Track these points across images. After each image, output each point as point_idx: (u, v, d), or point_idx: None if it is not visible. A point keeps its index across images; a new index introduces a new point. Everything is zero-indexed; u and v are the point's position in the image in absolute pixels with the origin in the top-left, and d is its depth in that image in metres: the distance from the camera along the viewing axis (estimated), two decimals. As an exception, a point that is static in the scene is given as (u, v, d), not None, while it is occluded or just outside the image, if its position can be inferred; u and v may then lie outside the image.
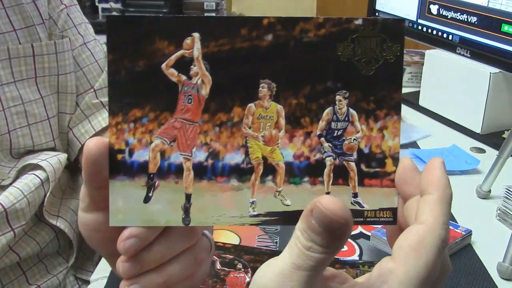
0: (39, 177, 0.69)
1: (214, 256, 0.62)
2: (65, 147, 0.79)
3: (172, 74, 0.35)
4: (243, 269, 0.60)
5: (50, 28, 0.75)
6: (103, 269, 0.65)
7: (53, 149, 0.76)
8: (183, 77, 0.35)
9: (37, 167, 0.70)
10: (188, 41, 0.34)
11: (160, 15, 0.34)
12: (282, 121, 0.35)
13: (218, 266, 0.61)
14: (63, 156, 0.73)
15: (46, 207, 0.70)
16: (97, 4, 2.11)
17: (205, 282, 0.58)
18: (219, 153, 0.36)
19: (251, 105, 0.35)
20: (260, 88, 0.35)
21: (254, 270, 0.60)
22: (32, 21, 0.71)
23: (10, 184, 0.68)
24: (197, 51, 0.34)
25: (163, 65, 0.34)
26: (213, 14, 2.07)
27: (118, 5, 2.10)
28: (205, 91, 0.35)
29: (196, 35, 0.34)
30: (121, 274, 0.37)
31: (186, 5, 2.11)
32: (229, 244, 0.64)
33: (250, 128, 0.36)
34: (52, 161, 0.71)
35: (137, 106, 0.35)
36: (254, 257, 0.62)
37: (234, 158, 0.36)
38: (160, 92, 0.35)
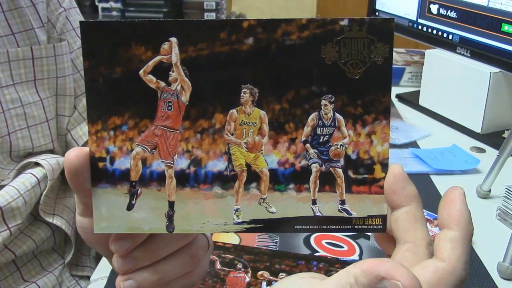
0: (35, 176, 0.69)
1: (214, 256, 0.62)
2: (63, 149, 0.79)
3: (150, 80, 0.34)
4: (243, 269, 0.60)
5: (48, 31, 0.75)
6: (103, 269, 0.65)
7: (51, 151, 0.76)
8: (162, 84, 0.34)
9: (35, 165, 0.70)
10: (165, 46, 0.33)
11: (135, 20, 0.33)
12: (266, 127, 0.34)
13: (218, 266, 0.61)
14: (61, 159, 0.73)
15: (41, 206, 0.70)
16: (97, 3, 2.11)
17: (205, 282, 0.58)
18: (201, 161, 0.35)
19: (233, 111, 0.34)
20: (242, 94, 0.34)
21: (254, 270, 0.60)
22: (31, 25, 0.71)
23: (8, 183, 0.68)
24: (175, 56, 0.33)
25: (141, 72, 0.33)
26: (213, 14, 2.07)
27: (118, 5, 2.10)
28: (185, 98, 0.34)
29: (174, 39, 0.33)
30: (117, 270, 0.38)
31: (186, 4, 2.11)
32: (229, 244, 0.65)
33: (232, 134, 0.35)
34: (51, 161, 0.71)
35: (116, 113, 0.34)
36: (254, 257, 0.62)
37: (216, 165, 0.35)
38: (139, 99, 0.34)
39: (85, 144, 0.79)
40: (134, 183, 0.35)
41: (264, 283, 0.58)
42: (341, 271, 0.29)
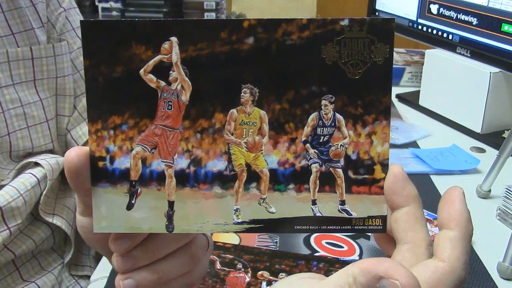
0: (35, 176, 0.69)
1: (214, 256, 0.62)
2: (63, 149, 0.79)
3: (151, 80, 0.34)
4: (243, 269, 0.60)
5: (48, 31, 0.75)
6: (103, 269, 0.65)
7: (51, 151, 0.76)
8: (162, 83, 0.34)
9: (35, 165, 0.70)
10: (166, 45, 0.33)
11: (136, 19, 0.33)
12: (266, 127, 0.34)
13: (218, 266, 0.61)
14: (61, 159, 0.73)
15: (41, 206, 0.70)
16: (97, 3, 2.11)
17: (205, 282, 0.58)
18: (201, 160, 0.35)
19: (233, 111, 0.34)
20: (242, 93, 0.34)
21: (254, 270, 0.60)
22: (31, 25, 0.71)
23: (7, 183, 0.68)
24: (175, 56, 0.33)
25: (141, 71, 0.33)
26: (213, 14, 2.07)
27: (118, 5, 2.10)
28: (185, 97, 0.34)
29: (174, 39, 0.33)
30: (116, 269, 0.38)
31: (186, 5, 2.11)
32: (229, 244, 0.65)
33: (232, 134, 0.35)
34: (51, 161, 0.71)
35: (116, 113, 0.34)
36: (254, 257, 0.62)
37: (216, 165, 0.35)
38: (139, 99, 0.34)
39: (85, 144, 0.79)
40: (134, 183, 0.35)
41: (264, 283, 0.58)
42: (339, 271, 0.29)
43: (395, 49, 1.41)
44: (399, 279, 0.26)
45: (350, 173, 0.35)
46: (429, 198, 0.77)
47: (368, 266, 0.27)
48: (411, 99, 1.20)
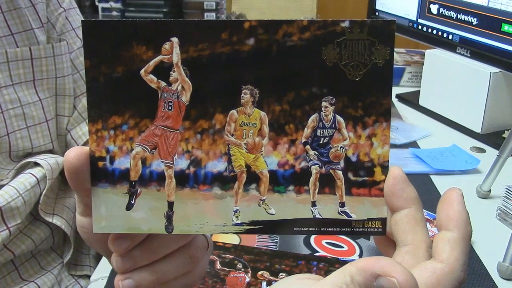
0: (35, 176, 0.69)
1: (214, 256, 0.62)
2: (63, 149, 0.79)
3: (151, 80, 0.34)
4: (243, 269, 0.60)
5: (48, 31, 0.75)
6: (103, 269, 0.65)
7: (51, 151, 0.76)
8: (163, 83, 0.34)
9: (35, 165, 0.70)
10: (166, 46, 0.33)
11: (137, 19, 0.33)
12: (266, 128, 0.34)
13: (218, 266, 0.61)
14: (61, 159, 0.73)
15: (41, 206, 0.70)
16: (97, 3, 2.11)
17: (205, 282, 0.58)
18: (201, 161, 0.35)
19: (233, 111, 0.34)
20: (243, 95, 0.34)
21: (254, 270, 0.60)
22: (30, 25, 0.71)
23: (7, 183, 0.68)
24: (176, 57, 0.33)
25: (142, 71, 0.34)
26: (213, 14, 2.07)
27: (118, 5, 2.10)
28: (185, 98, 0.34)
29: (175, 40, 0.33)
30: (115, 269, 0.38)
31: (186, 4, 2.11)
32: (229, 244, 0.65)
33: (232, 135, 0.35)
34: (50, 161, 0.71)
35: (117, 113, 0.34)
36: (254, 257, 0.62)
37: (216, 166, 0.35)
38: (140, 99, 0.34)
39: (85, 144, 0.79)
40: (133, 183, 0.35)
41: (264, 283, 0.58)
42: (337, 271, 0.29)
43: (395, 49, 1.40)
44: (396, 277, 0.26)
45: (350, 175, 0.35)
46: (429, 198, 0.77)
47: (365, 265, 0.27)
48: (411, 99, 1.20)
